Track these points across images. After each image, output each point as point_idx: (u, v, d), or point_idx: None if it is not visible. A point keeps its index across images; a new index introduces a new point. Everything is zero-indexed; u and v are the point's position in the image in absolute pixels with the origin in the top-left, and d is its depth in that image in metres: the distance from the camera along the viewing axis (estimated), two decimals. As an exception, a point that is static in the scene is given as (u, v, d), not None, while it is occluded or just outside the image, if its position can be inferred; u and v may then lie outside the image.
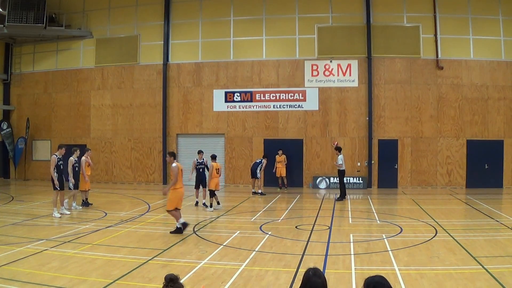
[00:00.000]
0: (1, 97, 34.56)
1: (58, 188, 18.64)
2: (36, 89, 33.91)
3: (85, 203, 21.16)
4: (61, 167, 19.18)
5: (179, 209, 15.55)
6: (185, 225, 15.38)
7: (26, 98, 34.18)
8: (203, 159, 21.60)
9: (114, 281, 10.16)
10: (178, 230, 15.25)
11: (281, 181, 28.28)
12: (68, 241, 14.10)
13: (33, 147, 33.96)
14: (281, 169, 27.80)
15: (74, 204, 20.39)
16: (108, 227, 16.63)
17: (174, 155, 15.99)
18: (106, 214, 19.50)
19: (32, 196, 25.56)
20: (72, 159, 20.37)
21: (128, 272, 10.87)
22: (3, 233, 15.32)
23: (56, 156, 19.00)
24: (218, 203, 20.84)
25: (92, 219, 18.40)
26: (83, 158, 21.36)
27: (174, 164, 15.47)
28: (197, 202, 21.76)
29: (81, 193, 21.20)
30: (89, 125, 32.53)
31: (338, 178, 24.26)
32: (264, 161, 26.59)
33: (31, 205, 22.02)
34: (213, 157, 21.15)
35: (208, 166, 21.23)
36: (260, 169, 26.25)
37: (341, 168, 23.50)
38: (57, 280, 10.26)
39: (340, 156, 23.42)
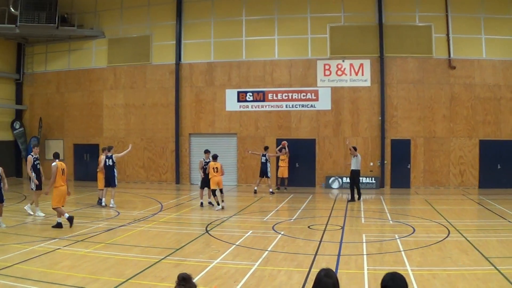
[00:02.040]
0: (14, 96, 35.73)
1: (38, 189, 19.37)
2: (49, 88, 35.02)
3: (100, 202, 22.06)
4: (38, 166, 19.67)
5: (63, 206, 16.80)
6: (70, 219, 16.41)
7: (39, 97, 35.32)
8: (209, 159, 22.22)
9: (126, 280, 10.55)
10: (59, 225, 16.35)
11: (280, 182, 28.99)
12: (81, 240, 14.63)
13: (45, 147, 34.96)
14: (283, 169, 28.47)
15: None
16: (120, 226, 17.24)
17: (56, 156, 17.67)
18: (119, 213, 20.19)
19: (45, 196, 26.30)
20: (102, 157, 21.51)
21: (141, 271, 11.28)
22: (15, 232, 15.95)
23: (32, 156, 19.53)
24: (218, 203, 21.53)
25: (105, 218, 19.17)
26: (102, 156, 22.22)
27: (53, 164, 16.87)
28: (201, 203, 22.47)
29: (99, 191, 22.23)
30: (101, 125, 33.60)
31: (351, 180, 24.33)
32: (268, 154, 27.46)
33: (43, 204, 22.44)
34: (214, 157, 21.91)
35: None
36: (269, 164, 27.27)
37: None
38: (70, 279, 10.65)
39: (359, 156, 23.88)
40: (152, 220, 18.63)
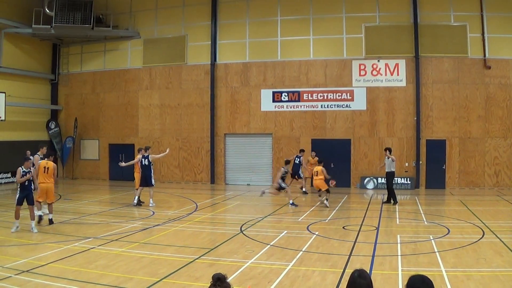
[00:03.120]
0: (49, 97, 37.93)
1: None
2: (84, 89, 37.08)
3: (138, 202, 23.06)
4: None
5: (41, 202, 17.96)
6: (40, 217, 17.94)
7: (74, 98, 37.43)
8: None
9: (160, 280, 11.00)
10: (39, 218, 17.95)
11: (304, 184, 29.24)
12: (116, 240, 15.32)
13: (81, 147, 37.05)
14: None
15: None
16: (155, 225, 18.05)
17: (46, 155, 19.22)
18: (153, 213, 21.12)
19: (80, 195, 28.02)
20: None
21: (175, 271, 11.73)
22: (50, 231, 16.81)
23: (39, 155, 20.10)
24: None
25: (139, 217, 20.06)
26: (139, 156, 23.39)
27: (39, 162, 18.56)
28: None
29: (135, 191, 23.41)
30: (137, 125, 35.52)
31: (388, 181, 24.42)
32: (302, 158, 28.13)
33: (78, 204, 24.23)
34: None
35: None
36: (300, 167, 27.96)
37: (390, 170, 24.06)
38: (104, 278, 11.14)
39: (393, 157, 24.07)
40: (187, 219, 19.46)
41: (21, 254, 13.30)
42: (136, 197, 23.14)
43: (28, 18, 33.83)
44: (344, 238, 15.69)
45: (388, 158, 23.95)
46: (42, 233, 16.46)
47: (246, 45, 33.22)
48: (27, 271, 11.53)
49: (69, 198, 26.16)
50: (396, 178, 29.54)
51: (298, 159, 28.11)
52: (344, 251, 13.75)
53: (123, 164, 23.91)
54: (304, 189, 28.28)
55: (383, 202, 23.91)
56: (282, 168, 24.10)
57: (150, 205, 22.70)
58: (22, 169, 16.72)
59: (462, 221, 18.73)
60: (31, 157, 19.13)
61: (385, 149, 24.60)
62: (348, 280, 5.03)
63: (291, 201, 23.42)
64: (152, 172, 23.27)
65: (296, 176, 28.12)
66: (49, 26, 33.82)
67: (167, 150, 25.29)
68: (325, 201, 23.09)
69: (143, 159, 23.10)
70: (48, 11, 33.89)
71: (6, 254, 13.39)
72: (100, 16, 35.02)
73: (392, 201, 23.58)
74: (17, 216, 16.62)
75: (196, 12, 34.16)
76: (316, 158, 28.33)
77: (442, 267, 11.78)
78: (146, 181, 22.99)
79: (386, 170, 24.06)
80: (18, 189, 16.83)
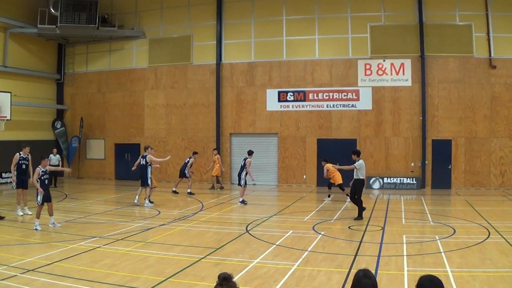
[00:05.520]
0: (55, 96, 38.75)
1: (19, 187, 20.60)
2: (90, 88, 37.92)
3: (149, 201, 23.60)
4: (23, 166, 20.77)
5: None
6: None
7: (80, 97, 38.27)
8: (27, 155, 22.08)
9: (166, 279, 11.19)
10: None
11: (215, 180, 31.01)
12: (121, 239, 15.60)
13: (86, 146, 37.88)
14: (217, 168, 30.34)
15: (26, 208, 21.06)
16: (161, 225, 18.37)
17: None
18: (159, 212, 21.59)
19: (86, 194, 28.63)
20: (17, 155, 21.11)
21: (181, 270, 11.94)
22: (56, 230, 17.17)
23: (20, 154, 20.80)
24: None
25: (145, 217, 20.45)
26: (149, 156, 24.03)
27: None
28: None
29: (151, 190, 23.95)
30: (142, 125, 36.33)
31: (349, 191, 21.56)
32: (192, 160, 29.00)
33: (84, 203, 24.67)
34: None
35: None
36: (188, 167, 28.65)
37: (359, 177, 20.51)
38: (110, 277, 11.32)
39: (361, 161, 20.57)
40: (192, 219, 19.83)
41: (26, 253, 13.58)
42: (146, 199, 23.55)
43: (33, 18, 34.50)
44: (350, 238, 16.03)
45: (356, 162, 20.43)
46: (48, 232, 16.89)
47: (252, 44, 33.84)
48: (32, 270, 11.81)
49: (74, 197, 26.66)
50: (402, 178, 30.38)
51: (188, 160, 28.98)
52: (350, 251, 14.01)
53: (134, 168, 24.50)
54: (189, 190, 28.40)
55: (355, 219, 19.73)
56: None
57: (145, 205, 23.19)
58: (40, 169, 17.36)
59: (467, 221, 19.01)
60: (54, 156, 19.91)
61: (353, 152, 21.12)
62: (353, 280, 5.13)
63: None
64: (149, 172, 23.56)
65: (183, 176, 28.76)
66: (54, 26, 34.47)
67: (168, 157, 25.82)
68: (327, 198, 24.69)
69: (141, 159, 23.71)
70: (53, 11, 34.57)
71: (12, 253, 13.69)
72: (106, 16, 35.74)
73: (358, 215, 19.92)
74: (38, 215, 17.26)
75: (201, 12, 34.80)
76: (218, 156, 30.35)
77: (447, 268, 11.98)
78: (142, 181, 23.63)
79: (354, 177, 20.41)
80: (37, 189, 17.24)
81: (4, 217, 19.41)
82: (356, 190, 20.13)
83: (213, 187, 30.84)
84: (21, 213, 20.27)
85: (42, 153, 31.18)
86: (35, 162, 18.86)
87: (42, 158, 18.01)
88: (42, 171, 17.41)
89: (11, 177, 21.09)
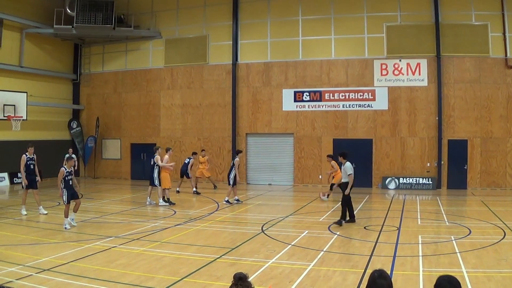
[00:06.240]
0: (71, 96, 39.42)
1: (29, 187, 20.86)
2: (106, 88, 38.58)
3: (168, 201, 24.04)
4: (31, 166, 20.92)
5: None
6: None
7: (96, 97, 38.93)
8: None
9: (181, 279, 11.25)
10: None
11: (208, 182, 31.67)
12: (137, 239, 15.73)
13: (102, 146, 38.52)
14: (203, 170, 30.41)
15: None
16: (177, 225, 18.50)
17: None
18: (175, 212, 21.81)
19: (101, 194, 29.10)
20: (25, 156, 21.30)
21: (196, 270, 12.02)
22: (72, 230, 17.34)
23: (26, 155, 20.85)
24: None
25: (161, 217, 20.67)
26: (166, 156, 24.48)
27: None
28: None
29: (164, 190, 24.34)
30: (158, 125, 36.89)
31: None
32: (192, 160, 29.41)
33: (100, 203, 25.03)
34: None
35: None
36: (189, 168, 29.12)
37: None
38: (125, 277, 11.41)
39: (348, 164, 19.33)
40: (208, 219, 20.02)
41: (42, 253, 13.66)
42: (148, 197, 24.44)
43: (49, 19, 35.10)
44: (365, 238, 16.04)
45: (342, 165, 19.46)
46: (64, 232, 17.08)
47: (268, 44, 34.22)
48: (48, 269, 11.93)
49: (90, 197, 27.02)
50: (418, 178, 30.59)
51: (188, 160, 29.36)
52: (365, 252, 14.01)
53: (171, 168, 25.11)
54: (195, 189, 28.96)
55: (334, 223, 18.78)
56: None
57: (159, 203, 23.75)
58: (65, 169, 17.75)
59: (483, 221, 19.04)
60: (73, 156, 20.27)
61: (340, 154, 20.00)
62: (368, 281, 5.14)
63: (226, 198, 24.96)
64: (155, 172, 24.05)
65: (184, 176, 29.18)
66: (71, 26, 35.04)
67: (172, 164, 25.33)
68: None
69: (152, 159, 24.38)
70: (69, 11, 35.14)
71: (28, 252, 13.78)
72: (122, 16, 36.35)
73: (343, 218, 18.85)
74: (66, 214, 17.59)
75: (217, 12, 35.27)
76: (206, 157, 30.69)
77: (463, 268, 11.99)
78: (150, 181, 24.34)
79: (343, 180, 19.45)
80: (64, 189, 17.60)
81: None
82: (343, 194, 18.97)
83: (215, 187, 31.16)
84: (25, 213, 20.58)
85: (59, 153, 32.40)
86: (49, 162, 19.11)
87: (69, 158, 18.47)
88: (67, 172, 17.73)
89: (21, 178, 21.19)
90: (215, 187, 31.12)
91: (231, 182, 24.90)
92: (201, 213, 21.67)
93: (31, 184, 20.79)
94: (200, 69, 35.64)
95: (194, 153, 30.35)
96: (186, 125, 36.05)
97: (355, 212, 19.60)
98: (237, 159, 25.52)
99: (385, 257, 13.37)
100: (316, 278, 11.38)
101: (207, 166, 30.79)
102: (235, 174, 24.81)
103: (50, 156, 32.15)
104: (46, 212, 20.79)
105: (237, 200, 25.15)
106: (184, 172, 29.07)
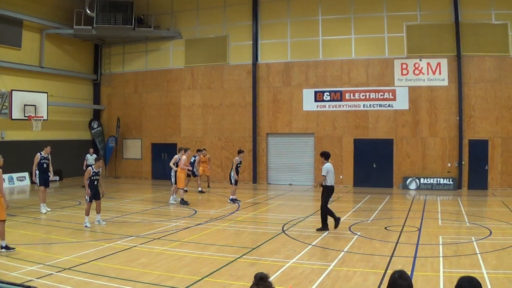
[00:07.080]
0: (92, 96, 40.23)
1: (41, 185, 21.58)
2: (126, 89, 39.35)
3: (183, 201, 24.47)
4: (44, 165, 21.70)
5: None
6: None
7: (116, 97, 39.73)
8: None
9: (202, 278, 11.49)
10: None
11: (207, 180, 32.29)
12: (158, 238, 16.11)
13: (123, 146, 39.30)
14: (205, 169, 31.31)
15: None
16: (197, 225, 18.82)
17: None
18: (196, 212, 22.17)
19: (122, 194, 29.69)
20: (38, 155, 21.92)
21: (216, 270, 12.25)
22: (93, 229, 17.83)
23: (41, 154, 21.66)
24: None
25: (182, 216, 20.97)
26: (183, 157, 24.97)
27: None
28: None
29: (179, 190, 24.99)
30: (179, 125, 37.58)
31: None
32: (198, 157, 30.17)
33: (121, 202, 25.61)
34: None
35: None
36: (196, 165, 29.84)
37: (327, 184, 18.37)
38: (145, 276, 11.68)
39: (327, 165, 18.17)
40: (229, 219, 20.36)
41: (63, 252, 14.00)
42: (175, 196, 25.15)
43: (69, 19, 35.86)
44: (386, 239, 16.21)
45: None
46: (85, 231, 17.64)
47: (288, 44, 34.70)
48: (68, 268, 12.22)
49: (111, 197, 27.39)
50: (438, 179, 30.99)
51: (194, 158, 29.90)
52: (385, 252, 14.18)
53: (189, 168, 26.18)
54: (200, 189, 29.88)
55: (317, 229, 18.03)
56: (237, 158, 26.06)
57: (169, 202, 24.93)
58: (93, 169, 18.44)
59: (504, 222, 19.18)
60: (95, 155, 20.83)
61: (320, 154, 19.00)
62: (388, 281, 5.22)
63: (231, 197, 25.63)
64: (172, 172, 25.00)
65: (191, 175, 29.62)
66: (91, 27, 35.75)
67: (188, 167, 25.93)
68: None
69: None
70: (89, 12, 35.85)
71: (48, 251, 14.25)
72: (141, 17, 36.99)
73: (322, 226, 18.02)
74: (87, 213, 18.20)
75: (237, 12, 35.83)
76: (208, 156, 31.45)
77: (483, 269, 12.12)
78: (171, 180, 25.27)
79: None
80: (89, 188, 18.22)
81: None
82: (322, 196, 18.12)
83: (208, 186, 32.05)
84: (45, 211, 21.28)
85: (79, 152, 32.96)
86: (69, 162, 19.49)
87: (98, 159, 19.20)
88: (94, 172, 18.38)
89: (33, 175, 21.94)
90: (208, 186, 31.94)
91: (232, 181, 25.47)
92: (222, 213, 22.07)
93: (44, 182, 21.63)
94: (221, 69, 36.22)
95: (199, 150, 30.95)
96: (207, 125, 36.66)
97: (376, 213, 20.33)
98: (236, 158, 26.00)
99: (406, 257, 13.59)
100: (337, 279, 11.59)
101: (208, 165, 31.57)
102: (234, 173, 25.47)
103: (70, 155, 32.92)
104: (45, 211, 21.34)
105: (232, 200, 25.61)
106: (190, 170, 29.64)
